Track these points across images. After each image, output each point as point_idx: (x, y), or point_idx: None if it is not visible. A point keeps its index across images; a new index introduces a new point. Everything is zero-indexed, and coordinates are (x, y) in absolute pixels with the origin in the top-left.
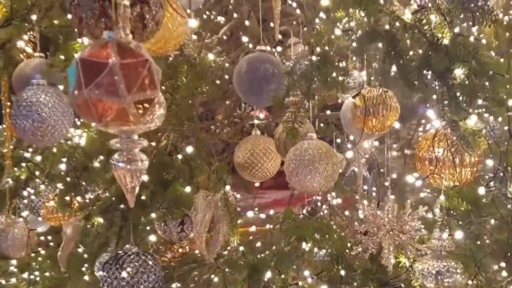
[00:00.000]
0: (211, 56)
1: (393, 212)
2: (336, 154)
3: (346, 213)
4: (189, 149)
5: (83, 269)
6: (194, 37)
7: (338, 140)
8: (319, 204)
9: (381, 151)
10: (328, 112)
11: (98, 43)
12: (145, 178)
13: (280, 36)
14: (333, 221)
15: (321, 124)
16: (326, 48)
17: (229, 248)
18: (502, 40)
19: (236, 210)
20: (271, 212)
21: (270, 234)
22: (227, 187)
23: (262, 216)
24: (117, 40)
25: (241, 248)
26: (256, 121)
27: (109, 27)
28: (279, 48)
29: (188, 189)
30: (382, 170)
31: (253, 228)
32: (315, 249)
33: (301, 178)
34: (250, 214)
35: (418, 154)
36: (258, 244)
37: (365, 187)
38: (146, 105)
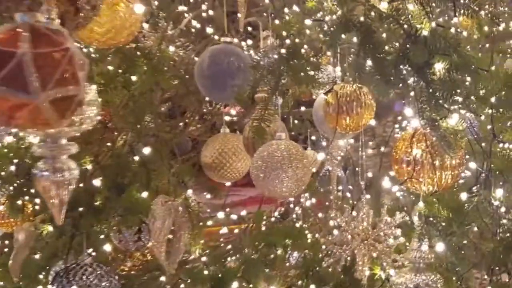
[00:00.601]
0: (172, 49)
1: (368, 219)
2: (306, 156)
3: (320, 215)
4: (146, 150)
5: (41, 276)
6: (146, 25)
7: (313, 138)
8: (292, 205)
9: (357, 149)
10: (303, 108)
11: (7, 28)
12: (98, 183)
13: (249, 29)
14: (306, 223)
15: (296, 121)
16: (297, 40)
17: (192, 257)
18: (484, 33)
19: (199, 216)
20: (243, 212)
21: (239, 239)
22: (189, 191)
23: (234, 217)
24: (31, 25)
25: (204, 259)
26: (226, 118)
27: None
28: (250, 42)
29: (145, 194)
30: (357, 169)
31: (224, 230)
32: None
33: (268, 182)
34: (220, 215)
35: (395, 156)
36: (229, 246)
37: (340, 187)
38: (68, 104)
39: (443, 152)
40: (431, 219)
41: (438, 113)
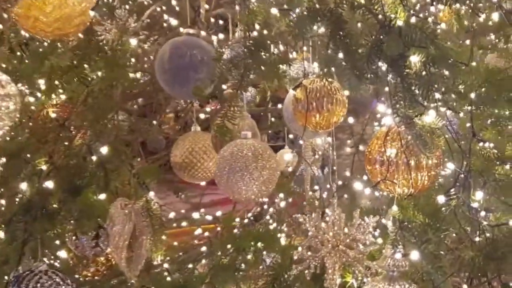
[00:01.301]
0: (133, 42)
1: (339, 224)
2: (274, 156)
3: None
4: (104, 150)
5: None
6: (92, 13)
7: (291, 136)
8: (265, 206)
9: (335, 148)
10: (280, 105)
11: None
12: (52, 184)
13: (221, 22)
14: (280, 225)
15: (273, 119)
16: (264, 32)
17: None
18: (464, 26)
19: (161, 220)
20: (219, 213)
21: (210, 243)
22: (151, 193)
23: (209, 217)
24: None
25: (166, 266)
26: (198, 115)
27: None
28: (221, 36)
29: (103, 196)
30: (334, 168)
31: (199, 231)
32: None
33: (232, 184)
34: (195, 215)
35: (368, 156)
36: (203, 248)
37: (317, 187)
38: None
39: (419, 152)
40: (406, 224)
41: (414, 109)
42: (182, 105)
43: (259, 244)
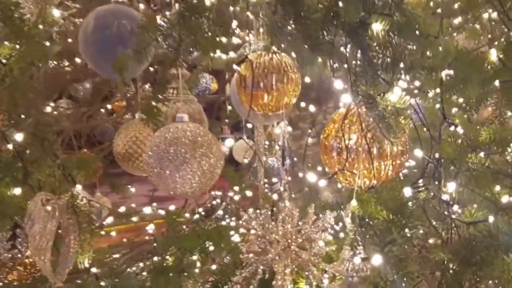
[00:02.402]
0: (56, 13)
1: (291, 221)
2: (217, 142)
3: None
4: (19, 137)
5: None
6: None
7: (249, 125)
8: (218, 201)
9: (297, 138)
10: None
11: None
12: None
13: None
14: (234, 221)
15: (230, 107)
16: None
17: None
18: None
19: (90, 218)
20: (172, 207)
21: (154, 242)
22: (78, 187)
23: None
24: None
25: (94, 270)
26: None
27: None
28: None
29: (18, 191)
30: (295, 159)
31: (150, 227)
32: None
33: (166, 177)
34: (147, 210)
35: (324, 143)
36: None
37: (275, 180)
38: None
39: (382, 137)
40: (367, 221)
41: (376, 87)
42: (131, 92)
43: (207, 243)
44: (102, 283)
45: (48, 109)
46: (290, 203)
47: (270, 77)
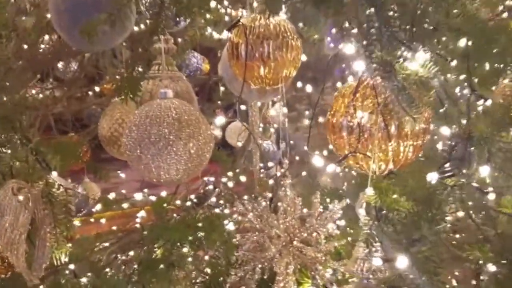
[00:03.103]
0: None
1: (293, 212)
2: (205, 121)
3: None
4: None
5: None
6: None
7: (243, 107)
8: (211, 187)
9: (292, 120)
10: None
11: None
12: None
13: None
14: (227, 210)
15: (222, 88)
16: None
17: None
18: None
19: (68, 208)
20: (163, 193)
21: (141, 232)
22: (53, 174)
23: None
24: None
25: (72, 267)
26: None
27: None
28: None
29: None
30: (292, 142)
31: (141, 213)
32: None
33: (147, 161)
34: (138, 196)
35: (331, 121)
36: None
37: (271, 164)
38: None
39: (402, 113)
40: (385, 213)
41: (395, 52)
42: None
43: (199, 233)
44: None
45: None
46: (292, 191)
47: (267, 45)
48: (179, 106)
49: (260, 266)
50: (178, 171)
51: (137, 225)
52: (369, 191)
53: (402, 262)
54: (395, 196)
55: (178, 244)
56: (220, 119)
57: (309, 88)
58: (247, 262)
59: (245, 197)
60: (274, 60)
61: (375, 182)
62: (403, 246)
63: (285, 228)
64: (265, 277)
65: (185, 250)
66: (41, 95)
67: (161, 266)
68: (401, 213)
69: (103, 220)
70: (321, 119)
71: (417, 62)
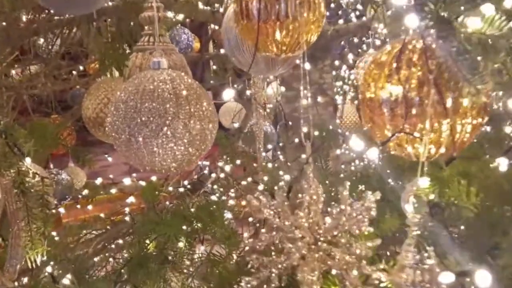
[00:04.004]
0: None
1: (317, 207)
2: (207, 96)
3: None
4: None
5: None
6: None
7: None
8: (206, 171)
9: (290, 99)
10: (223, 50)
11: None
12: None
13: None
14: (226, 195)
15: (214, 67)
16: None
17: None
18: None
19: (45, 201)
20: (153, 178)
21: (131, 222)
22: (27, 161)
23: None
24: None
25: (49, 270)
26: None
27: None
28: None
29: None
30: (290, 123)
31: (131, 199)
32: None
33: (139, 146)
34: (127, 181)
35: (365, 94)
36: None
37: (270, 146)
38: None
39: (461, 83)
40: (442, 209)
41: (453, 5)
42: None
43: (195, 224)
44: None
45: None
46: (315, 181)
47: (284, 1)
48: (176, 78)
49: (276, 272)
50: (176, 157)
51: (126, 215)
52: (423, 181)
53: (485, 277)
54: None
55: (173, 238)
56: (229, 92)
57: (307, 66)
58: (261, 267)
59: (258, 188)
60: (293, 20)
61: (433, 171)
62: (476, 252)
63: (309, 226)
64: (282, 285)
65: (180, 244)
66: (14, 72)
67: (153, 263)
68: (467, 210)
69: (89, 207)
70: (319, 99)
71: (482, 17)
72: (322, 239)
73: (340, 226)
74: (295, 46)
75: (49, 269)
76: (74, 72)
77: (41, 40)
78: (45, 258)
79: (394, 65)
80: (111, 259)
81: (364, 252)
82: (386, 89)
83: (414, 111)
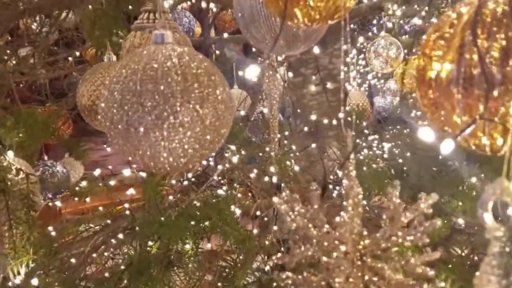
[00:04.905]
0: None
1: (359, 214)
2: (223, 79)
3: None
4: None
5: None
6: None
7: (240, 73)
8: (212, 163)
9: (298, 85)
10: (226, 35)
11: None
12: None
13: None
14: (232, 191)
15: (217, 51)
16: None
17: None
18: None
19: (30, 201)
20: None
21: (131, 221)
22: (10, 154)
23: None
24: None
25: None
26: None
27: None
28: None
29: None
30: (299, 111)
31: (130, 191)
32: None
33: (139, 137)
34: (126, 172)
35: (425, 72)
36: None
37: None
38: None
39: None
40: None
41: None
42: None
43: (202, 223)
44: None
45: None
46: (355, 179)
47: None
48: (184, 54)
49: None
50: (186, 151)
51: (126, 206)
52: (505, 183)
53: None
54: None
55: (178, 240)
56: (254, 68)
57: (316, 50)
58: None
59: (285, 190)
60: None
61: None
62: None
63: (350, 235)
64: None
65: (187, 246)
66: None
67: (156, 267)
68: None
69: (88, 199)
70: (329, 85)
71: None
72: (368, 253)
73: (394, 237)
74: (331, 12)
75: (35, 281)
76: (70, 59)
77: (35, 25)
78: (32, 266)
79: (468, 33)
80: (110, 261)
81: (422, 270)
82: (456, 64)
83: (496, 91)
